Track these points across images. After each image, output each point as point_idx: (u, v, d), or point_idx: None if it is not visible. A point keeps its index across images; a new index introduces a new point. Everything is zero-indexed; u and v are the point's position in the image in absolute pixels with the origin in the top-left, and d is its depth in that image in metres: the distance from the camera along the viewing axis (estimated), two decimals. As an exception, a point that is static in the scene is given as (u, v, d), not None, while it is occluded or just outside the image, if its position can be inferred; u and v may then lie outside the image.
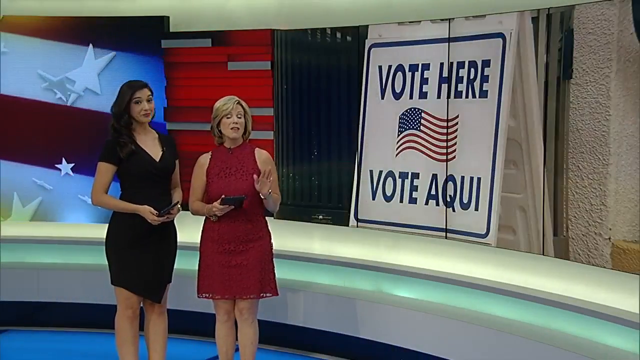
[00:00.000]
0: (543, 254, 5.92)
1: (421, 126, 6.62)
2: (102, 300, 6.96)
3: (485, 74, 6.04)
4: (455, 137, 6.35)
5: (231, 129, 5.77)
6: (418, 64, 6.63)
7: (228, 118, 5.77)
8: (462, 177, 6.32)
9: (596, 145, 5.37)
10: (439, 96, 6.44)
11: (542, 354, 5.84)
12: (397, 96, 6.79)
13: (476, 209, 6.23)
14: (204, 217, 5.87)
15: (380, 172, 6.95)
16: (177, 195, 5.91)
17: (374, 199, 7.02)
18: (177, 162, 5.95)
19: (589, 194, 5.42)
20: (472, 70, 6.17)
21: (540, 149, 5.70)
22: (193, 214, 5.90)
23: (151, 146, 5.82)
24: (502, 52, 5.88)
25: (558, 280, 6.07)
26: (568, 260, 5.73)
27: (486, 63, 6.03)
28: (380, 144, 6.98)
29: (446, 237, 6.63)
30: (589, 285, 5.80)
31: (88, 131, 7.81)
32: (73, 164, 7.94)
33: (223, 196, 5.67)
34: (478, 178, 6.21)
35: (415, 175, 6.68)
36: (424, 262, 6.92)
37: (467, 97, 6.22)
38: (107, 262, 5.85)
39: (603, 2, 5.24)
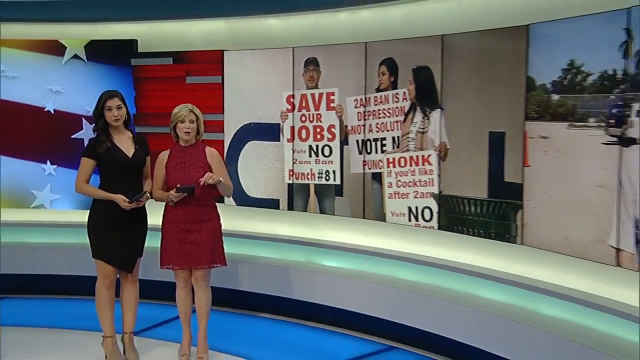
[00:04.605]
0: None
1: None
2: (84, 272, 6.87)
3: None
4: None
5: (184, 132, 5.78)
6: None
7: (182, 123, 5.78)
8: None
9: None
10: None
11: (448, 310, 5.97)
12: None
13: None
14: (165, 203, 5.85)
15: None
16: (147, 186, 5.90)
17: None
18: (148, 158, 5.94)
19: None
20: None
21: None
22: (156, 200, 5.88)
23: (125, 145, 5.80)
24: None
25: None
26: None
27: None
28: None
29: (363, 217, 6.73)
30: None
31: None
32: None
33: (178, 185, 5.69)
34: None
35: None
36: (346, 237, 7.02)
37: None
38: (88, 240, 5.83)
39: None
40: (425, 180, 6.20)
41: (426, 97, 6.15)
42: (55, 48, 7.87)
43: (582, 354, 4.90)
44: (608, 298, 5.00)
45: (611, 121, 4.77)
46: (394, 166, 6.43)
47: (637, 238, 4.61)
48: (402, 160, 6.35)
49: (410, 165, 6.30)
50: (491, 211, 5.74)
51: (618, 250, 4.77)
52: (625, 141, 4.69)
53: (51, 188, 7.93)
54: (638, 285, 4.65)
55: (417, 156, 6.24)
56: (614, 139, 4.75)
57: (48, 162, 7.95)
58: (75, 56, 7.84)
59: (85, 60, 7.84)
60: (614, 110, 4.74)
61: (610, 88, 4.76)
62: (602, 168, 4.84)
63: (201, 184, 5.69)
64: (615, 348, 4.80)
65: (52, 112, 7.90)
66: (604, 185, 4.84)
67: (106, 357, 5.93)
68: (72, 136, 7.81)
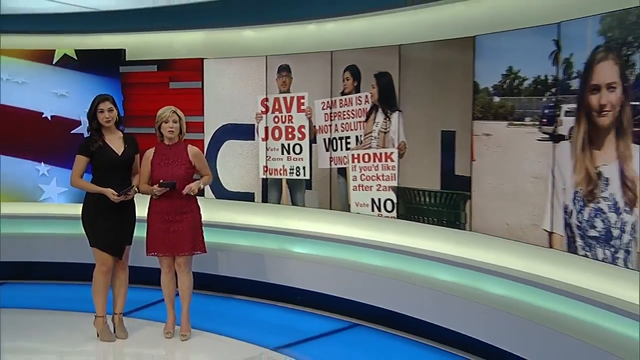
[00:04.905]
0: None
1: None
2: (77, 260, 7.02)
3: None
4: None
5: (168, 131, 5.86)
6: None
7: (166, 123, 5.85)
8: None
9: None
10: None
11: (406, 291, 6.11)
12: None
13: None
14: (150, 196, 5.93)
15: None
16: (135, 180, 5.95)
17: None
18: (137, 156, 5.98)
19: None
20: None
21: None
22: (142, 193, 5.94)
23: (116, 143, 5.86)
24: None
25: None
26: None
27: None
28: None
29: (330, 208, 6.87)
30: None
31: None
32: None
33: (161, 181, 5.80)
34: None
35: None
36: (315, 227, 7.15)
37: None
38: (82, 231, 5.90)
39: None
40: (387, 175, 6.37)
41: (387, 99, 6.31)
42: (50, 57, 7.97)
43: (521, 325, 5.10)
44: (542, 276, 5.23)
45: (544, 120, 5.02)
46: (359, 161, 6.59)
47: (566, 222, 4.87)
48: (366, 156, 6.51)
49: (374, 161, 6.46)
50: (443, 201, 5.92)
51: (550, 233, 5.02)
52: (556, 138, 4.94)
53: (57, 182, 7.99)
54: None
55: (380, 153, 6.40)
56: (547, 135, 5.00)
57: (42, 163, 8.04)
58: (65, 56, 7.92)
59: (76, 58, 7.92)
60: (546, 111, 4.99)
61: (543, 91, 5.01)
62: (537, 161, 5.09)
63: (183, 193, 5.82)
64: (549, 318, 4.99)
65: (49, 118, 7.97)
66: (538, 177, 5.09)
67: (98, 335, 6.02)
68: (72, 131, 7.88)
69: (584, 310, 4.83)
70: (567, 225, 4.88)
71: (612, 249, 4.53)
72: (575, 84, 4.76)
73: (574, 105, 4.78)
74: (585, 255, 4.76)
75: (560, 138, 4.92)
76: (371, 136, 6.47)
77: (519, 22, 5.23)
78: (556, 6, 4.99)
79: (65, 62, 7.98)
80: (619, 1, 4.42)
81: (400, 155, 6.26)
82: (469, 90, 5.63)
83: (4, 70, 7.96)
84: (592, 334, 4.69)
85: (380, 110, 6.41)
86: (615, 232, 4.50)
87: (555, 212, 4.99)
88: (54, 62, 7.96)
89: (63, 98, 7.97)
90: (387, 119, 6.33)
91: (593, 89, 4.59)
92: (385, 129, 6.34)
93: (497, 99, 5.40)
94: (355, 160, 6.63)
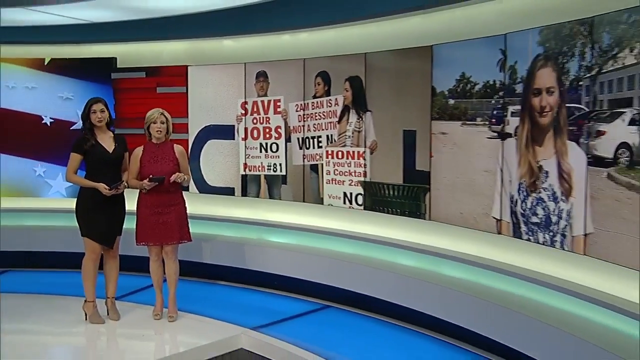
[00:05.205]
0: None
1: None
2: (71, 249, 6.86)
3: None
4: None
5: (156, 131, 5.96)
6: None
7: (154, 124, 5.96)
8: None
9: None
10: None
11: (373, 275, 6.22)
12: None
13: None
14: (139, 190, 6.02)
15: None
16: (124, 176, 6.00)
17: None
18: (126, 154, 6.03)
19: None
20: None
21: None
22: (131, 188, 6.00)
23: (107, 142, 5.93)
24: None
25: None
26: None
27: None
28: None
29: (304, 201, 6.98)
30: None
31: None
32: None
33: (150, 176, 5.91)
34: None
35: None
36: (290, 218, 7.25)
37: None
38: (76, 223, 5.96)
39: None
40: (359, 172, 6.47)
41: (360, 101, 6.42)
42: (42, 64, 8.08)
43: (475, 304, 5.30)
44: (492, 259, 5.41)
45: (493, 120, 5.25)
46: (333, 157, 6.68)
47: (512, 210, 5.09)
48: (340, 153, 6.61)
49: (347, 158, 6.56)
50: (406, 194, 6.07)
51: (499, 220, 5.23)
52: (504, 136, 5.17)
53: (62, 177, 7.99)
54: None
55: (354, 151, 6.50)
56: (495, 134, 5.23)
57: (39, 164, 8.13)
58: (53, 59, 8.04)
59: (66, 58, 8.02)
60: (495, 112, 5.21)
61: (492, 95, 5.23)
62: (487, 157, 5.30)
63: (171, 181, 5.89)
64: (499, 297, 5.19)
65: (49, 123, 8.05)
66: (488, 171, 5.30)
67: (86, 317, 6.10)
68: (71, 128, 7.97)
69: (528, 288, 5.04)
70: (513, 213, 5.09)
71: (551, 234, 4.77)
72: (519, 88, 4.97)
73: (518, 107, 4.99)
74: (529, 240, 4.98)
75: (507, 136, 5.13)
76: (345, 135, 6.56)
77: (470, 33, 5.41)
78: (502, 19, 5.19)
79: (57, 63, 8.06)
80: (555, 16, 4.66)
81: (371, 153, 6.38)
82: (428, 93, 5.79)
83: (10, 77, 8.03)
84: (535, 309, 4.89)
85: (353, 111, 6.50)
86: (554, 219, 4.74)
87: (503, 201, 5.19)
88: (45, 63, 8.05)
89: (67, 101, 8.05)
90: (360, 119, 6.42)
91: (535, 92, 4.82)
92: (359, 128, 6.44)
93: (452, 101, 5.59)
94: (330, 157, 6.71)
